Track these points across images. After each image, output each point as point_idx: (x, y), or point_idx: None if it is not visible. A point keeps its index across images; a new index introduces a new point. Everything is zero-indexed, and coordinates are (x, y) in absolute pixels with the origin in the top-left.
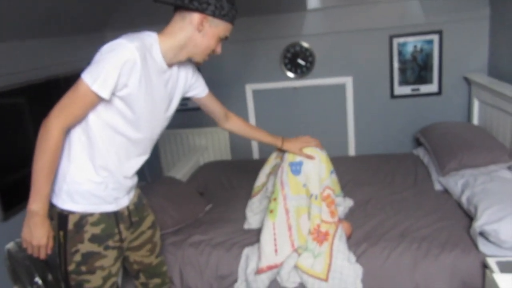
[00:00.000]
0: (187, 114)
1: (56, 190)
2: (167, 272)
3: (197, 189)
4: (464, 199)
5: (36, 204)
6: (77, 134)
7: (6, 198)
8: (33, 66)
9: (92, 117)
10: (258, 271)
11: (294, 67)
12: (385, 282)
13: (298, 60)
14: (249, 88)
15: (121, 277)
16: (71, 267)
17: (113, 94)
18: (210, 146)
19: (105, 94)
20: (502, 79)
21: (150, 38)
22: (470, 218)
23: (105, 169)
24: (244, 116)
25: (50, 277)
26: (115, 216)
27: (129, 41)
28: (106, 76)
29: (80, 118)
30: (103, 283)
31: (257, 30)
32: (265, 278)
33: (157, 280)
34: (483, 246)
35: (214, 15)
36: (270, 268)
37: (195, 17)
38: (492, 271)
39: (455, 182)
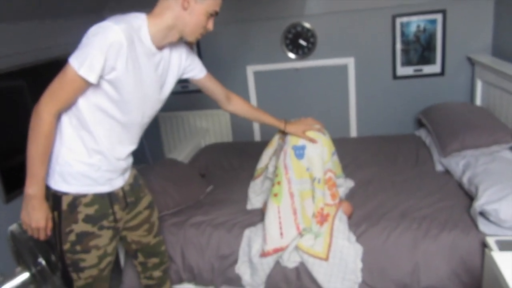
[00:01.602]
0: (189, 96)
1: (50, 171)
2: (165, 252)
3: (199, 170)
4: (465, 180)
5: (32, 188)
6: (68, 117)
7: (8, 181)
8: (32, 48)
9: (81, 100)
10: (265, 254)
11: (296, 48)
12: (385, 261)
13: (299, 40)
14: (250, 70)
15: (123, 258)
16: (66, 246)
17: (101, 77)
18: (212, 128)
19: (92, 79)
20: (506, 59)
21: (138, 20)
22: (470, 198)
23: (97, 151)
24: (245, 97)
25: (53, 257)
26: (109, 197)
27: (115, 23)
28: (92, 60)
29: (71, 102)
30: (98, 262)
31: (258, 10)
32: (270, 261)
33: (155, 260)
34: (483, 225)
35: None
36: (276, 251)
37: None
38: (491, 250)
39: (457, 163)
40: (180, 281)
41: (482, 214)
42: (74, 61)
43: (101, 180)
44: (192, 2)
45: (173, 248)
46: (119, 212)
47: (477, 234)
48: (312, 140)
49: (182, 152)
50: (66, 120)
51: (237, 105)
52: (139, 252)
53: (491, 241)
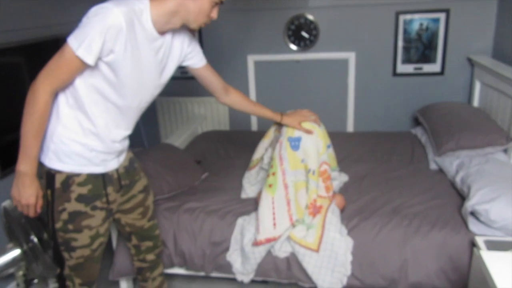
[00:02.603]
0: (188, 83)
1: (44, 149)
2: (159, 236)
3: (194, 157)
4: (458, 179)
5: (24, 165)
6: (65, 96)
7: (3, 157)
8: (32, 25)
9: (78, 81)
10: (257, 243)
11: (298, 40)
12: (374, 255)
13: (302, 32)
14: (251, 59)
15: (115, 240)
16: (58, 225)
17: (99, 59)
18: (209, 116)
19: (89, 60)
20: (506, 62)
21: (140, 4)
22: (462, 198)
23: (92, 132)
24: (245, 87)
25: (45, 235)
26: (103, 178)
27: (115, 6)
28: (90, 42)
29: (67, 82)
30: (90, 242)
31: (262, 0)
32: (262, 250)
33: (149, 243)
34: (472, 225)
35: None
36: (268, 240)
37: None
38: (479, 249)
39: (451, 162)
40: (171, 265)
41: (473, 214)
42: (73, 41)
43: (95, 160)
44: None
45: (165, 232)
46: (113, 194)
47: (467, 233)
48: (308, 131)
49: (178, 138)
50: (63, 99)
51: (233, 98)
52: (133, 235)
53: (480, 240)
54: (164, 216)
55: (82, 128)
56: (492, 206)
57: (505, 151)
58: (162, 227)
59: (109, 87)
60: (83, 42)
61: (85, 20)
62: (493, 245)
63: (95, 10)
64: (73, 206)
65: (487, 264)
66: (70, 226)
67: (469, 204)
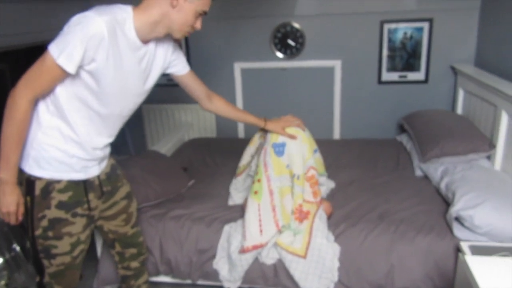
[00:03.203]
0: (174, 90)
1: (25, 155)
2: (143, 243)
3: (181, 164)
4: (443, 185)
5: (4, 173)
6: (45, 104)
7: None
8: (16, 31)
9: (59, 88)
10: (244, 250)
11: (284, 48)
12: (361, 261)
13: (288, 40)
14: (238, 66)
15: (100, 248)
16: (38, 232)
17: (80, 67)
18: (196, 123)
19: (70, 69)
20: (488, 70)
21: (123, 12)
22: (447, 203)
23: (73, 139)
24: (231, 94)
25: (28, 244)
26: (84, 185)
27: (98, 15)
28: (72, 50)
29: (48, 90)
30: (71, 249)
31: (249, 7)
32: (249, 257)
33: (133, 250)
34: (457, 230)
35: None
36: (255, 247)
37: None
38: (464, 254)
39: (435, 169)
40: (157, 273)
41: (458, 219)
42: (54, 49)
43: (76, 167)
44: (181, 0)
45: (151, 240)
46: (94, 201)
47: (452, 238)
48: (292, 137)
49: (165, 145)
50: (43, 106)
51: (217, 105)
52: (117, 242)
53: (465, 246)
54: (150, 223)
55: (62, 135)
56: (476, 211)
57: (488, 157)
58: (148, 234)
59: (91, 95)
60: (64, 50)
61: (66, 28)
62: (478, 250)
63: (77, 19)
64: (53, 213)
65: (472, 269)
66: (50, 233)
67: (454, 210)
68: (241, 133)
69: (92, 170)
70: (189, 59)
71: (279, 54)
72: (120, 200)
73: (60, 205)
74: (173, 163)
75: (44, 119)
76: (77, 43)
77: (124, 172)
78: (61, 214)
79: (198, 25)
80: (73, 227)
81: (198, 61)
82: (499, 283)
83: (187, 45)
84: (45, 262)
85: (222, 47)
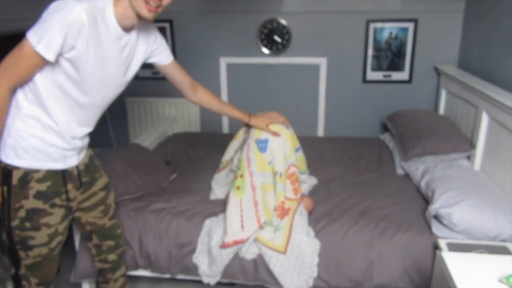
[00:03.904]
0: (159, 83)
1: (1, 144)
2: (121, 235)
3: (164, 158)
4: (423, 184)
5: None
6: (23, 92)
7: None
8: None
9: (38, 76)
10: (224, 245)
11: (270, 44)
12: (341, 257)
13: (274, 36)
14: (224, 61)
15: (78, 241)
16: (15, 223)
17: (60, 55)
18: (180, 117)
19: (49, 56)
20: (470, 72)
21: (104, 0)
22: (427, 202)
23: (52, 128)
24: (216, 89)
25: (4, 236)
26: (63, 175)
27: (77, 2)
28: (51, 38)
29: (26, 78)
30: (49, 241)
31: (236, 2)
32: (230, 252)
33: (110, 242)
34: (436, 228)
35: None
36: (236, 243)
37: None
38: (441, 250)
39: (416, 168)
40: (136, 267)
41: (436, 217)
42: (32, 36)
43: (55, 156)
44: None
45: (131, 233)
46: (73, 191)
47: (430, 236)
48: (275, 134)
49: (148, 138)
50: (22, 94)
51: (202, 96)
52: (94, 234)
53: (442, 243)
54: (129, 216)
55: (41, 123)
56: (454, 209)
57: (468, 157)
58: (128, 227)
59: (71, 84)
60: (43, 37)
61: (45, 15)
62: (455, 248)
63: (56, 5)
64: (31, 203)
65: (448, 265)
66: (28, 224)
67: (433, 208)
68: (225, 129)
69: (71, 160)
70: (174, 53)
71: (265, 50)
72: (98, 191)
73: (39, 195)
74: (155, 157)
75: (23, 107)
76: (56, 30)
77: (102, 163)
78: (39, 204)
79: (149, 4)
80: (51, 217)
81: (183, 55)
82: (474, 279)
83: (173, 39)
84: (22, 253)
85: (208, 41)
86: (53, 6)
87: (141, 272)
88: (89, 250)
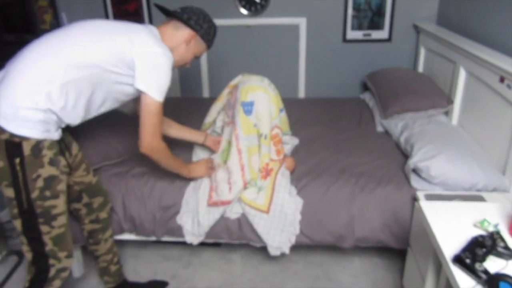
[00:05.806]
0: None
1: (10, 116)
2: (106, 191)
3: None
4: (402, 139)
5: None
6: (65, 89)
7: None
8: None
9: (98, 92)
10: (212, 203)
11: (248, 4)
12: (323, 213)
13: None
14: None
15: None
16: (35, 194)
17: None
18: None
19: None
20: (449, 29)
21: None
22: (406, 157)
23: (62, 120)
24: None
25: (13, 222)
26: (59, 144)
27: (164, 49)
28: (167, 87)
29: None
30: (66, 208)
31: None
32: (216, 212)
33: (100, 199)
34: (414, 181)
35: (202, 37)
36: (223, 203)
37: (188, 32)
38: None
39: (396, 124)
40: (121, 231)
41: (415, 171)
42: (157, 95)
43: (53, 128)
44: (193, 42)
45: (114, 198)
46: (68, 158)
47: (409, 189)
48: (215, 148)
49: (126, 104)
50: (64, 90)
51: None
52: (84, 193)
53: (420, 194)
54: (111, 182)
55: (54, 112)
56: (432, 163)
57: (446, 113)
58: (110, 193)
59: (119, 103)
60: (163, 91)
61: (153, 65)
62: (433, 198)
63: (161, 56)
64: (47, 170)
65: (426, 213)
66: (48, 193)
67: (412, 162)
68: (206, 93)
69: (59, 131)
70: (149, 15)
71: (243, 11)
72: (77, 152)
73: (51, 162)
74: (135, 122)
75: (54, 96)
76: (168, 79)
77: (79, 130)
78: (54, 171)
79: (189, 64)
80: (63, 184)
81: (158, 17)
82: (451, 225)
83: (148, 1)
84: (44, 228)
85: (183, 2)
86: (157, 57)
87: (127, 236)
88: (77, 213)
